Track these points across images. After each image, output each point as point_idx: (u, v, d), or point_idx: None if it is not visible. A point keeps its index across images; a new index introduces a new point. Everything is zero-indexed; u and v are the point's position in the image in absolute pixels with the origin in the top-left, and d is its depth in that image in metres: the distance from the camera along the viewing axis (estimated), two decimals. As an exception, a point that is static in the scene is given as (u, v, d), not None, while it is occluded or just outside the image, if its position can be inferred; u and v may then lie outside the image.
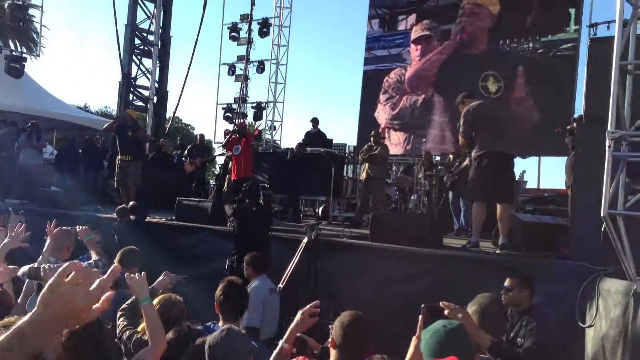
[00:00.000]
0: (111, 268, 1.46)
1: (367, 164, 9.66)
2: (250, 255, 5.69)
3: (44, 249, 4.36)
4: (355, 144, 15.17)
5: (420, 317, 2.51)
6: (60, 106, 17.72)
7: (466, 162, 8.58)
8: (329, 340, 2.86)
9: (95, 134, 17.78)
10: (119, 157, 10.00)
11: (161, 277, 4.09)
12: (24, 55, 14.50)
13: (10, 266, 4.08)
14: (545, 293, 4.63)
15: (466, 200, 8.55)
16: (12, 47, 19.97)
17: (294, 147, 11.75)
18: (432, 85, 14.74)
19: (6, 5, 14.20)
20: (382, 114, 15.53)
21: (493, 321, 3.21)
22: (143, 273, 3.17)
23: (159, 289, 3.89)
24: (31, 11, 15.43)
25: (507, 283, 4.15)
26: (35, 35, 27.67)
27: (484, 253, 6.23)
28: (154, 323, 3.04)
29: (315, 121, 13.59)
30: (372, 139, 9.77)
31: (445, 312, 2.50)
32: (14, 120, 13.72)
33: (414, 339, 2.44)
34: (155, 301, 3.43)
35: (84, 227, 5.05)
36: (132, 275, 3.16)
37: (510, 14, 13.39)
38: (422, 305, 2.52)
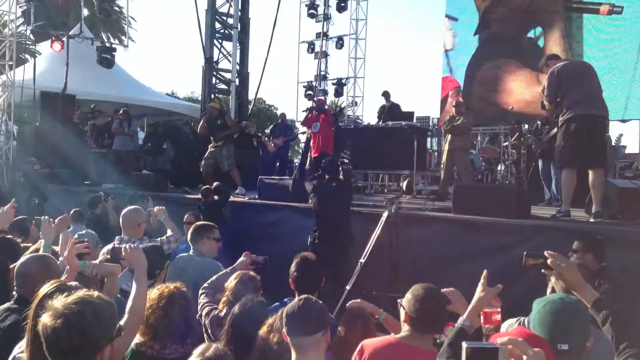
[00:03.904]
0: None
1: (450, 136, 9.37)
2: None
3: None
4: (439, 115, 14.79)
5: (484, 272, 2.46)
6: (150, 93, 18.48)
7: (555, 129, 8.12)
8: (403, 315, 2.76)
9: (183, 119, 18.42)
10: (210, 145, 10.02)
11: (241, 258, 4.11)
12: (113, 45, 15.10)
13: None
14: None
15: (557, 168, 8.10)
16: (104, 38, 20.90)
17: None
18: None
19: (94, -3, 14.91)
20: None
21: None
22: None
23: (239, 269, 3.87)
24: (119, 3, 16.07)
25: (574, 246, 4.21)
26: (124, 26, 29.06)
27: (576, 222, 5.88)
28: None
29: (387, 94, 13.37)
30: (454, 110, 9.46)
31: (548, 260, 2.36)
32: (117, 109, 14.34)
33: (481, 283, 2.41)
34: (232, 277, 3.47)
35: (160, 207, 5.37)
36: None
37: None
38: (524, 253, 2.44)
